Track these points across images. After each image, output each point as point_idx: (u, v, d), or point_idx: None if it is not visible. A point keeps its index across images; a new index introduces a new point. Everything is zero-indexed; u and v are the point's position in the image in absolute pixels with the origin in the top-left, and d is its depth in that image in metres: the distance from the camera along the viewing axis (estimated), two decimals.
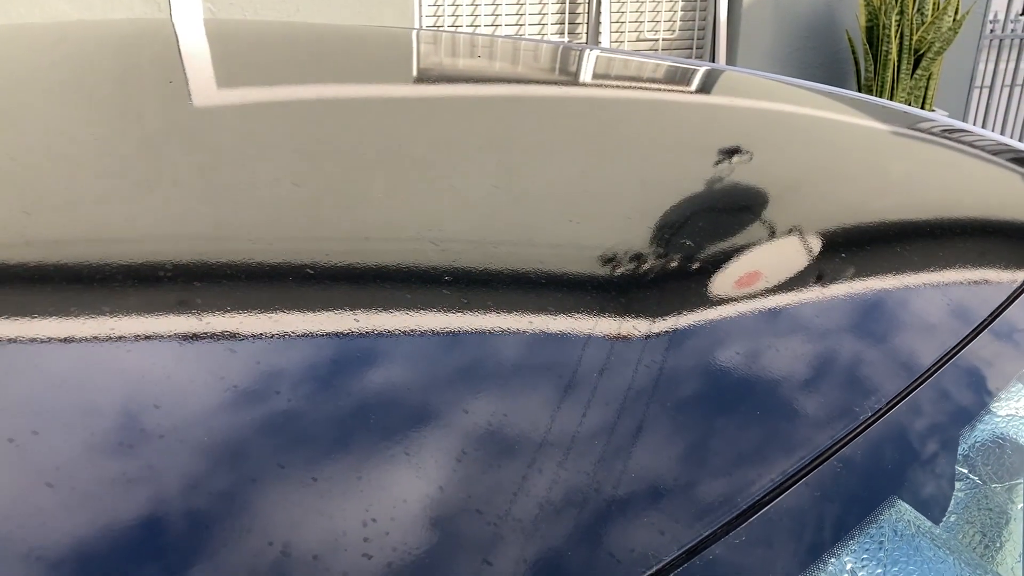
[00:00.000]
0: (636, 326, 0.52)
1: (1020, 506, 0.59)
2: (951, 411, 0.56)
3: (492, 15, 4.45)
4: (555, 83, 1.25)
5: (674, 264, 0.61)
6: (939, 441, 0.54)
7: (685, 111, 1.14)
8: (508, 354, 0.49)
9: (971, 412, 0.58)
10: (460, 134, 0.91)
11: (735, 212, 0.73)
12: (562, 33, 4.63)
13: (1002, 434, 0.60)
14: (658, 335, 0.52)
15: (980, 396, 0.59)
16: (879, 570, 0.43)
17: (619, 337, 0.51)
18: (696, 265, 0.61)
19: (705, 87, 1.29)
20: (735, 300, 0.57)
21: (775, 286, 0.60)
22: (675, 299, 0.57)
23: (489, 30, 4.44)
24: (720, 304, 0.57)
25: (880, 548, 0.44)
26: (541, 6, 4.53)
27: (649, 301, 0.56)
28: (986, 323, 0.63)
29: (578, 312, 0.53)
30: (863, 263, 0.67)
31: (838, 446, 0.47)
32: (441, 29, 3.89)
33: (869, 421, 0.49)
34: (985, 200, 0.88)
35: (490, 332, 0.50)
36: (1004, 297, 0.66)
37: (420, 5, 4.21)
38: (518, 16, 4.50)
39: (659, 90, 1.27)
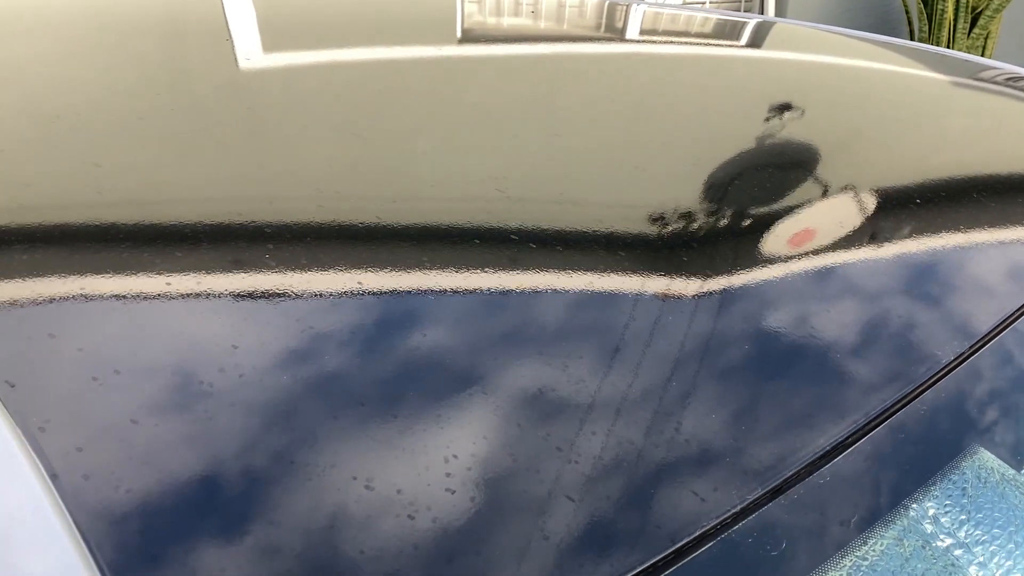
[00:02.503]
0: (713, 277, 0.52)
1: None
2: None
3: None
4: (605, 40, 1.23)
5: (743, 218, 0.60)
6: (1021, 390, 0.53)
7: (741, 65, 1.12)
8: (585, 302, 0.48)
9: None
10: (517, 89, 0.90)
11: (802, 169, 0.72)
12: None
13: None
14: (741, 288, 0.51)
15: None
16: (963, 516, 0.42)
17: (703, 288, 0.50)
18: (772, 218, 0.60)
19: (757, 40, 1.26)
20: (819, 252, 0.56)
21: (861, 238, 0.59)
22: (753, 252, 0.56)
23: None
24: (806, 257, 0.55)
25: (964, 494, 0.43)
26: None
27: (716, 254, 0.55)
28: None
29: (649, 263, 0.52)
30: (944, 216, 0.65)
31: (918, 393, 0.46)
32: None
33: (950, 369, 0.48)
34: None
35: (559, 284, 0.50)
36: None
37: None
38: None
39: (713, 44, 1.24)
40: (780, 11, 4.63)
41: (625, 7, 1.44)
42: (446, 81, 0.90)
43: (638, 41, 1.23)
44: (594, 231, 0.56)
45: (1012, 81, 1.10)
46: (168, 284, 0.45)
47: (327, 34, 1.10)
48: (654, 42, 1.23)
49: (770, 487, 0.38)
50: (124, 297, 0.44)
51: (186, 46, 1.00)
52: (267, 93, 0.82)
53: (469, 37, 1.18)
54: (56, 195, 0.56)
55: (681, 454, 0.38)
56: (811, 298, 0.51)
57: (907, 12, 4.64)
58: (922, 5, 4.46)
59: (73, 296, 0.44)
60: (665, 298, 0.49)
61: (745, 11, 4.72)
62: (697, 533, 0.35)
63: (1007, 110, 1.01)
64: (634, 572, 0.34)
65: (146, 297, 0.44)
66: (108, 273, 0.46)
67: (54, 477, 0.34)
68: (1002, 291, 0.56)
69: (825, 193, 0.66)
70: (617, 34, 1.27)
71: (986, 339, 0.50)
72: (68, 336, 0.41)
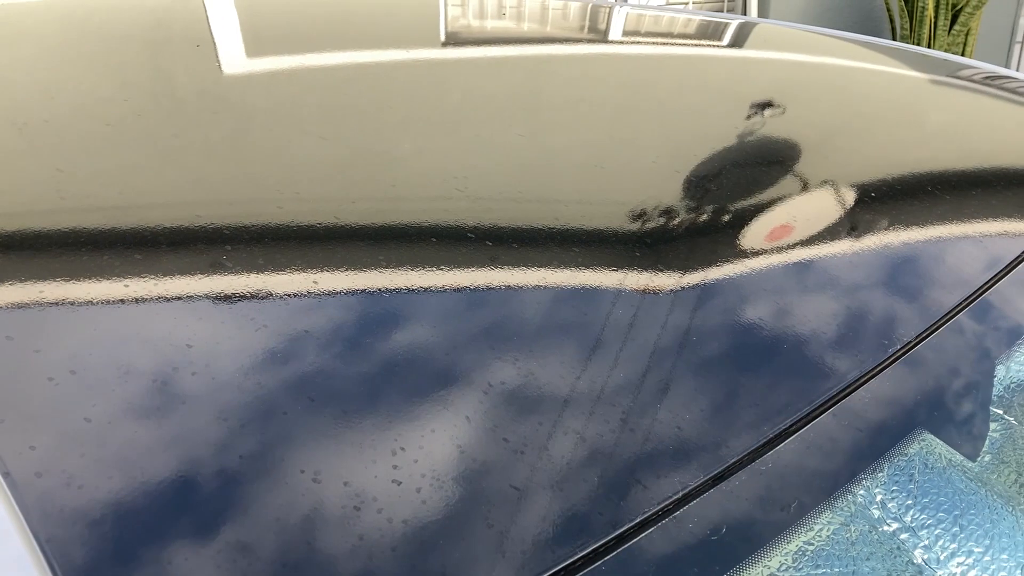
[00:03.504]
0: (674, 272, 0.52)
1: None
2: (984, 352, 0.55)
3: None
4: (587, 41, 1.23)
5: (709, 213, 0.61)
6: (972, 381, 0.53)
7: (724, 66, 1.13)
8: (532, 298, 0.49)
9: (1005, 354, 0.57)
10: (494, 91, 0.91)
11: (775, 166, 0.72)
12: None
13: None
14: (688, 282, 0.52)
15: (1014, 337, 0.58)
16: (909, 500, 0.43)
17: (667, 282, 0.51)
18: (734, 215, 0.61)
19: (739, 40, 1.27)
20: (780, 244, 0.57)
21: (826, 230, 0.60)
22: (715, 246, 0.57)
23: None
24: (766, 250, 0.56)
25: (910, 480, 0.44)
26: None
27: (682, 250, 0.56)
28: (1016, 263, 0.62)
29: (610, 257, 0.53)
30: (906, 208, 0.66)
31: (864, 381, 0.46)
32: None
33: (898, 356, 0.49)
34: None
35: (515, 281, 0.51)
36: None
37: None
38: None
39: (693, 45, 1.25)
40: (763, 11, 4.65)
41: (607, 9, 1.45)
42: (426, 83, 0.91)
43: (620, 43, 1.24)
44: (550, 229, 0.56)
45: (989, 80, 1.11)
46: (126, 286, 0.46)
47: (300, 39, 1.11)
48: (636, 43, 1.24)
49: (717, 473, 0.39)
50: (80, 298, 0.45)
51: (154, 51, 1.00)
52: (236, 97, 0.82)
53: (450, 40, 1.18)
54: (15, 198, 0.56)
55: (627, 443, 0.39)
56: (758, 289, 0.51)
57: (888, 10, 4.67)
58: (903, 3, 4.48)
59: (31, 299, 0.45)
60: (615, 294, 0.49)
61: (728, 11, 4.74)
62: (640, 519, 0.36)
63: (984, 107, 1.02)
64: (578, 557, 0.34)
65: (102, 299, 0.45)
66: (66, 276, 0.47)
67: (6, 475, 0.34)
68: (950, 281, 0.57)
69: (794, 192, 0.66)
70: (599, 36, 1.28)
71: (934, 327, 0.51)
72: (24, 337, 0.42)
